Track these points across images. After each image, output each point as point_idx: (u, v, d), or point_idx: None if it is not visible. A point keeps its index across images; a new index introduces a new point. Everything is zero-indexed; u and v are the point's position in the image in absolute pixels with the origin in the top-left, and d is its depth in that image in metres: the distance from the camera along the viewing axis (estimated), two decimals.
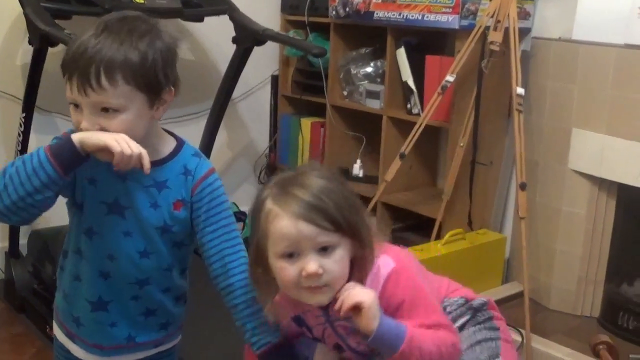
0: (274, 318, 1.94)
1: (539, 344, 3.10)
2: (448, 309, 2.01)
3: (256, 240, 1.80)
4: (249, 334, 1.93)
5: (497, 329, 2.03)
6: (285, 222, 1.71)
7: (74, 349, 2.01)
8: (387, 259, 1.84)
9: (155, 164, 1.82)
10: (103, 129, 1.71)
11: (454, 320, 1.99)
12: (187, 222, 1.90)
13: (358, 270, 1.82)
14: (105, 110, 1.71)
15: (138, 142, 1.72)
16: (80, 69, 1.67)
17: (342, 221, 1.73)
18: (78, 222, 1.90)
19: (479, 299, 2.07)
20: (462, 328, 1.99)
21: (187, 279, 2.04)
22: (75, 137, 1.69)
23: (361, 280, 1.81)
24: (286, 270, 1.75)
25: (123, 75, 1.69)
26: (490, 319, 2.05)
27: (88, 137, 1.69)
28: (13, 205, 1.70)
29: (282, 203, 1.73)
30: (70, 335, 2.00)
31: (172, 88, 1.84)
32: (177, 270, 1.96)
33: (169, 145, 1.91)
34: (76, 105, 1.73)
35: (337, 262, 1.75)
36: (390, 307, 1.82)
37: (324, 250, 1.73)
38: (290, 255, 1.74)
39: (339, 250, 1.75)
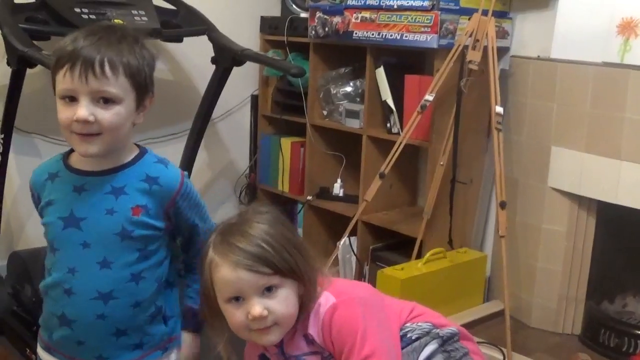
0: (227, 356, 1.96)
1: None
2: (409, 335, 1.98)
3: (204, 287, 1.86)
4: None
5: None
6: (225, 271, 1.79)
7: (50, 359, 2.02)
8: (329, 296, 1.89)
9: (114, 170, 1.88)
10: (97, 120, 1.76)
11: (421, 346, 1.96)
12: (150, 228, 1.90)
13: (303, 307, 1.87)
14: (104, 100, 1.77)
15: (115, 146, 1.86)
16: (85, 57, 1.73)
17: (281, 265, 1.79)
18: (47, 242, 1.95)
19: (448, 328, 2.03)
20: (429, 358, 1.96)
21: (169, 296, 2.02)
22: None
23: (307, 314, 1.88)
24: (234, 316, 1.82)
25: (123, 69, 1.78)
26: (466, 354, 2.01)
27: None
28: None
29: (222, 253, 1.80)
30: (48, 347, 2.01)
31: (152, 95, 1.90)
32: (148, 282, 1.94)
33: (132, 153, 1.94)
34: (71, 99, 1.76)
35: (281, 301, 1.81)
36: (331, 343, 1.85)
37: (269, 290, 1.80)
38: (237, 299, 1.81)
39: (282, 290, 1.82)
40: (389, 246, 3.94)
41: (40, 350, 2.04)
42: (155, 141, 4.13)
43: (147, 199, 1.87)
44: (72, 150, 1.94)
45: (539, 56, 3.54)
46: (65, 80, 1.75)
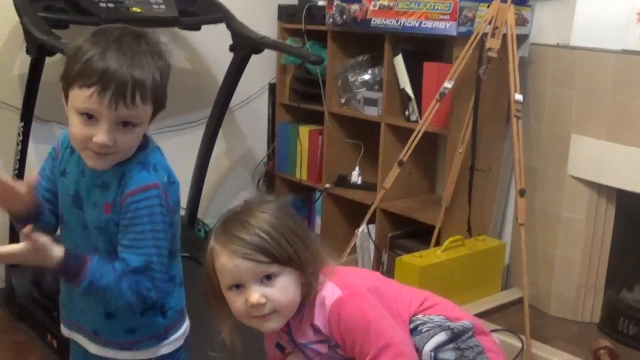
0: (230, 340, 1.96)
1: (539, 350, 3.09)
2: (420, 328, 1.95)
3: (207, 274, 1.88)
4: None
5: None
6: (224, 259, 1.81)
7: (63, 329, 2.08)
8: (335, 289, 1.88)
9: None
10: (115, 143, 1.74)
11: (429, 336, 1.94)
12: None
13: (308, 296, 1.88)
14: (124, 124, 1.75)
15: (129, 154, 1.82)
16: (117, 83, 1.69)
17: (279, 253, 1.80)
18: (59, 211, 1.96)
19: (461, 322, 1.99)
20: (439, 350, 1.93)
21: (173, 291, 2.01)
22: None
23: (312, 303, 1.88)
24: (235, 302, 1.84)
25: (151, 93, 1.75)
26: (481, 352, 1.96)
27: None
28: None
29: (222, 242, 1.82)
30: (67, 323, 2.06)
31: (164, 107, 1.88)
32: None
33: (130, 153, 1.86)
34: (89, 117, 1.73)
35: (280, 289, 1.82)
36: (339, 336, 1.85)
37: (268, 278, 1.81)
38: (237, 287, 1.83)
39: (282, 278, 1.83)
40: (408, 234, 3.93)
41: (63, 329, 2.09)
42: (173, 130, 4.13)
43: (114, 197, 1.84)
44: None
45: (558, 44, 3.52)
46: (91, 101, 1.70)
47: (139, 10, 3.35)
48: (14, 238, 3.53)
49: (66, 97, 1.80)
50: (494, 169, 3.78)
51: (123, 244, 1.83)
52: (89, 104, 1.71)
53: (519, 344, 3.10)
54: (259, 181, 4.73)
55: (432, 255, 3.41)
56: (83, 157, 1.83)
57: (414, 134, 3.44)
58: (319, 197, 4.36)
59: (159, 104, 1.82)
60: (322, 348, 1.93)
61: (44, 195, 1.96)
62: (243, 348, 1.97)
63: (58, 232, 1.99)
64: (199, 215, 4.33)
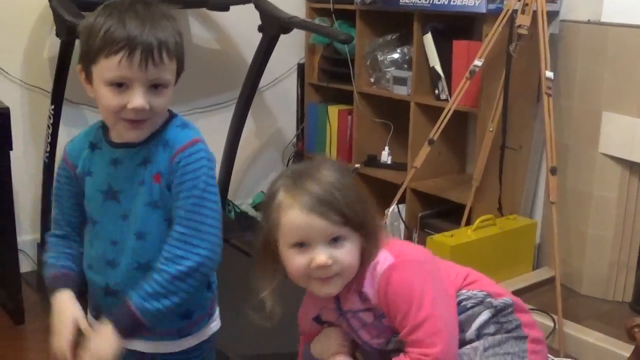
0: (271, 304, 1.94)
1: (571, 329, 3.08)
2: (464, 303, 1.94)
3: (267, 229, 1.84)
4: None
5: (524, 337, 1.95)
6: (296, 214, 1.77)
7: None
8: (387, 255, 1.87)
9: (145, 141, 1.85)
10: (151, 107, 1.76)
11: (474, 315, 1.93)
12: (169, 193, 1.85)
13: (363, 261, 1.86)
14: (155, 87, 1.76)
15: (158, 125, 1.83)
16: (144, 45, 1.71)
17: (351, 215, 1.78)
18: (87, 213, 1.95)
19: (503, 298, 1.98)
20: (481, 328, 1.93)
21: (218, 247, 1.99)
22: None
23: (365, 270, 1.86)
24: (296, 260, 1.80)
25: (174, 52, 1.77)
26: (519, 326, 1.96)
27: None
28: None
29: (295, 195, 1.78)
30: (98, 316, 2.01)
31: (183, 70, 1.89)
32: None
33: (163, 118, 1.89)
34: (119, 85, 1.74)
35: (346, 253, 1.80)
36: (385, 304, 1.84)
37: (334, 241, 1.79)
38: (301, 245, 1.79)
39: (348, 242, 1.81)
40: (438, 213, 3.92)
41: (89, 316, 2.06)
42: (202, 111, 4.14)
43: (162, 164, 1.84)
44: None
45: (589, 20, 3.49)
46: (120, 68, 1.71)
47: None
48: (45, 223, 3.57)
49: (88, 76, 1.81)
50: (524, 147, 3.76)
51: (180, 215, 1.80)
52: (118, 71, 1.72)
53: (550, 324, 3.09)
54: (288, 162, 4.73)
55: (463, 235, 3.40)
56: (118, 131, 1.84)
57: (444, 113, 3.43)
58: None
59: (180, 65, 1.83)
60: (368, 317, 1.92)
61: (70, 221, 1.99)
62: (280, 311, 1.94)
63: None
64: (229, 196, 4.34)
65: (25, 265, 3.75)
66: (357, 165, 4.22)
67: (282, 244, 1.82)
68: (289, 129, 4.74)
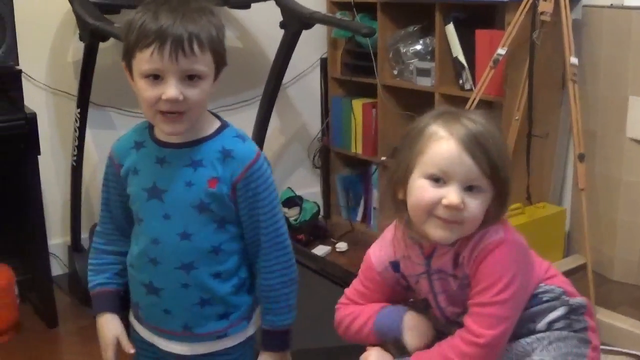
0: (402, 229, 1.92)
1: (604, 316, 3.07)
2: (541, 296, 1.90)
3: (406, 158, 1.80)
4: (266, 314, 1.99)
5: (588, 342, 1.92)
6: (450, 145, 1.72)
7: (140, 329, 2.04)
8: (499, 228, 1.81)
9: (193, 143, 1.88)
10: (185, 98, 1.77)
11: (549, 309, 1.90)
12: (227, 200, 1.88)
13: (483, 222, 1.79)
14: (190, 78, 1.78)
15: (196, 121, 1.86)
16: (174, 37, 1.73)
17: (500, 169, 1.73)
18: (133, 212, 1.96)
19: (578, 298, 1.95)
20: (553, 322, 1.91)
21: (248, 267, 2.02)
22: None
23: (474, 233, 1.80)
24: (427, 192, 1.74)
25: (208, 44, 1.78)
26: (586, 329, 1.93)
27: None
28: None
29: (452, 128, 1.73)
30: (137, 317, 2.04)
31: (226, 64, 1.90)
32: (228, 254, 1.93)
33: (212, 126, 1.93)
34: (155, 77, 1.77)
35: (478, 204, 1.74)
36: (475, 271, 1.80)
37: (470, 189, 1.73)
38: (437, 180, 1.74)
39: (483, 195, 1.75)
40: None
41: (132, 319, 2.07)
42: (227, 109, 4.15)
43: (221, 171, 1.87)
44: None
45: (611, 4, 3.47)
46: (152, 60, 1.74)
47: None
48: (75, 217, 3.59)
49: (130, 71, 1.84)
50: (551, 135, 3.74)
51: (263, 226, 1.91)
52: (151, 63, 1.75)
53: None
54: (314, 157, 4.73)
55: None
56: (157, 125, 1.86)
57: (469, 103, 3.42)
58: (375, 171, 4.35)
59: (219, 58, 1.84)
60: (454, 284, 1.88)
61: (116, 219, 2.02)
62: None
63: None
64: None
65: (57, 268, 3.78)
66: (383, 158, 4.21)
67: (418, 173, 1.77)
68: (314, 124, 4.74)
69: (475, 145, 1.70)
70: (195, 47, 1.75)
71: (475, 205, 1.73)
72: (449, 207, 1.71)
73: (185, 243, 1.88)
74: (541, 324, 1.89)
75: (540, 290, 1.92)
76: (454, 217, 1.73)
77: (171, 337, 1.98)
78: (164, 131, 1.85)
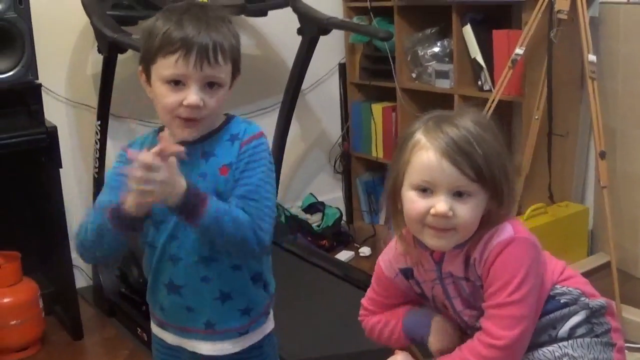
0: (404, 247, 1.92)
1: (631, 314, 3.06)
2: (558, 298, 1.88)
3: (397, 168, 1.79)
4: None
5: (613, 345, 1.89)
6: (430, 155, 1.71)
7: (166, 336, 2.05)
8: (508, 227, 1.79)
9: (205, 137, 1.90)
10: (205, 105, 1.80)
11: (569, 314, 1.88)
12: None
13: (484, 226, 1.78)
14: (210, 85, 1.82)
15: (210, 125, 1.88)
16: (200, 45, 1.77)
17: (486, 173, 1.71)
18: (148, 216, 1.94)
19: (598, 300, 1.92)
20: (574, 328, 1.91)
21: (263, 262, 2.02)
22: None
23: (482, 235, 1.78)
24: (415, 204, 1.74)
25: (230, 53, 1.83)
26: (608, 331, 1.91)
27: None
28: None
29: (432, 137, 1.72)
30: (161, 323, 2.05)
31: (239, 73, 1.93)
32: None
33: (220, 119, 1.95)
34: (176, 83, 1.80)
35: (469, 210, 1.73)
36: (487, 272, 1.79)
37: (459, 195, 1.72)
38: (424, 190, 1.73)
39: (473, 199, 1.73)
40: None
41: (154, 327, 2.08)
42: (247, 117, 4.14)
43: (231, 156, 1.89)
44: (162, 127, 1.97)
45: (628, 0, 3.45)
46: (177, 66, 1.78)
47: (205, 0, 3.37)
48: None
49: (148, 75, 1.87)
50: (571, 133, 3.72)
51: (238, 194, 1.86)
52: (175, 69, 1.79)
53: None
54: (335, 162, 4.73)
55: None
56: (173, 129, 1.87)
57: (488, 103, 3.41)
58: None
59: (236, 67, 1.88)
60: (468, 286, 1.86)
61: None
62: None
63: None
64: (278, 200, 4.35)
65: (81, 280, 3.80)
66: None
67: (407, 184, 1.76)
68: (334, 130, 4.74)
69: (456, 151, 1.69)
70: (219, 56, 1.80)
71: (465, 211, 1.72)
72: (438, 216, 1.71)
73: None
74: (562, 331, 1.87)
75: (556, 292, 1.89)
76: (445, 225, 1.73)
77: (196, 336, 2.00)
78: (178, 135, 1.86)
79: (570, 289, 1.91)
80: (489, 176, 1.71)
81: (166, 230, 1.93)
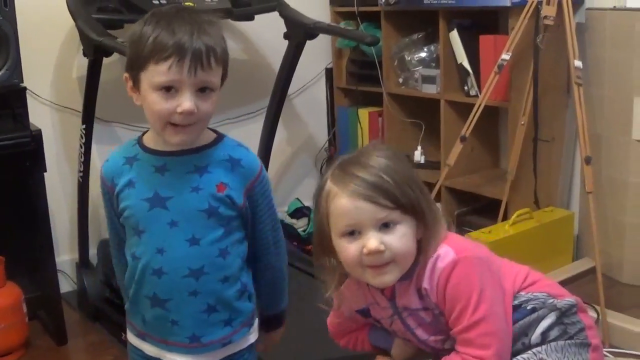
0: (338, 303, 1.95)
1: (615, 319, 3.05)
2: (524, 305, 1.90)
3: (318, 222, 1.82)
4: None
5: (588, 345, 1.91)
6: (344, 201, 1.73)
7: (146, 347, 2.03)
8: (449, 250, 1.81)
9: (196, 150, 1.90)
10: (198, 110, 1.80)
11: (539, 319, 1.89)
12: (236, 204, 1.90)
13: (421, 252, 1.80)
14: (202, 90, 1.81)
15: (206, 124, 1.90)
16: (193, 50, 1.75)
17: (402, 198, 1.72)
18: (128, 226, 1.96)
19: (565, 299, 1.94)
20: (547, 332, 1.90)
21: (250, 275, 2.03)
22: None
23: (425, 263, 1.80)
24: (348, 249, 1.75)
25: (221, 57, 1.82)
26: (582, 330, 1.92)
27: None
28: None
29: (341, 183, 1.74)
30: (140, 334, 2.03)
31: (226, 77, 1.93)
32: (233, 258, 1.94)
33: (209, 135, 1.95)
34: (168, 89, 1.78)
35: (399, 238, 1.74)
36: (443, 300, 1.80)
37: (386, 226, 1.73)
38: (352, 234, 1.74)
39: (401, 226, 1.74)
40: (474, 210, 3.91)
41: (132, 337, 2.07)
42: (232, 121, 4.15)
43: (230, 178, 1.89)
44: (143, 134, 1.97)
45: (614, 7, 3.46)
46: (170, 72, 1.76)
47: (191, 3, 3.36)
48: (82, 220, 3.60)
49: (136, 83, 1.85)
50: (557, 139, 3.73)
51: (269, 228, 2.03)
52: (169, 76, 1.77)
53: (594, 314, 3.06)
54: (321, 167, 4.73)
55: (501, 230, 3.38)
56: (165, 136, 1.85)
57: (475, 109, 3.41)
58: None
59: (225, 71, 1.87)
60: (427, 316, 1.88)
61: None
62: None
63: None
64: None
65: (65, 285, 3.78)
66: None
67: (334, 234, 1.78)
68: (321, 135, 4.73)
69: (367, 188, 1.71)
70: (212, 60, 1.79)
71: (396, 240, 1.74)
72: (372, 254, 1.72)
73: (194, 249, 1.88)
74: (535, 336, 1.88)
75: (521, 300, 1.91)
76: (382, 261, 1.74)
77: (179, 350, 1.98)
78: (171, 141, 1.85)
79: (535, 294, 1.92)
80: (405, 201, 1.73)
81: (151, 242, 1.91)
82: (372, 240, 1.72)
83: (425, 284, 1.82)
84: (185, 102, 1.77)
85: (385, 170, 1.73)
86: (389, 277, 1.78)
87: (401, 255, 1.76)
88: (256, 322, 2.07)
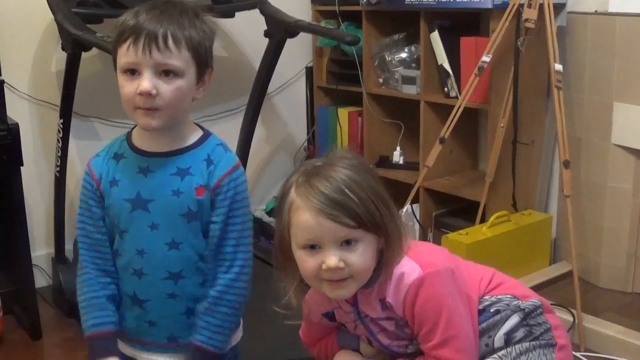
0: (307, 311, 1.94)
1: (591, 323, 3.06)
2: (489, 308, 1.93)
3: (280, 227, 1.81)
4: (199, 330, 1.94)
5: (554, 345, 1.92)
6: (306, 216, 1.72)
7: (121, 346, 2.02)
8: (414, 266, 1.81)
9: (180, 152, 1.89)
10: (159, 93, 1.78)
11: (502, 320, 1.91)
12: (209, 206, 1.89)
13: (384, 266, 1.81)
14: (166, 73, 1.79)
15: (176, 121, 1.86)
16: (148, 31, 1.75)
17: (365, 217, 1.71)
18: (111, 223, 1.94)
19: (531, 299, 1.95)
20: (510, 333, 1.91)
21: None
22: None
23: (387, 275, 1.81)
24: (307, 262, 1.76)
25: (185, 42, 1.79)
26: (548, 330, 1.93)
27: None
28: None
29: (305, 196, 1.73)
30: (118, 335, 2.01)
31: (212, 70, 1.91)
32: (212, 262, 1.93)
33: (196, 135, 1.94)
34: (132, 72, 1.78)
35: (360, 255, 1.74)
36: (410, 316, 1.81)
37: (347, 243, 1.73)
38: (312, 247, 1.74)
39: (362, 244, 1.75)
40: (452, 212, 3.91)
41: (124, 347, 2.05)
42: (212, 118, 4.13)
43: (205, 179, 1.87)
44: (132, 130, 1.95)
45: (596, 11, 3.47)
46: (128, 54, 1.77)
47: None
48: (59, 230, 3.57)
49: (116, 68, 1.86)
50: (536, 142, 3.73)
51: (230, 243, 1.91)
52: (127, 57, 1.78)
53: (570, 318, 3.07)
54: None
55: (479, 232, 3.38)
56: (135, 120, 1.85)
57: (454, 110, 3.41)
58: None
59: (200, 59, 1.84)
60: (389, 325, 1.89)
61: (101, 239, 1.96)
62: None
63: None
64: None
65: (41, 280, 3.76)
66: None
67: (295, 244, 1.78)
68: (300, 133, 4.72)
69: (330, 206, 1.70)
70: (170, 42, 1.77)
71: (356, 258, 1.74)
72: (331, 270, 1.72)
73: (173, 252, 1.88)
74: (497, 337, 1.88)
75: (486, 304, 1.92)
76: (340, 276, 1.75)
77: (156, 349, 1.98)
78: (141, 126, 1.85)
79: (499, 296, 1.93)
80: (368, 219, 1.72)
81: (132, 242, 1.90)
82: (332, 258, 1.72)
83: (390, 299, 1.83)
84: (143, 82, 1.76)
85: (349, 185, 1.72)
86: (346, 291, 1.79)
87: (359, 272, 1.77)
88: (240, 323, 2.05)
